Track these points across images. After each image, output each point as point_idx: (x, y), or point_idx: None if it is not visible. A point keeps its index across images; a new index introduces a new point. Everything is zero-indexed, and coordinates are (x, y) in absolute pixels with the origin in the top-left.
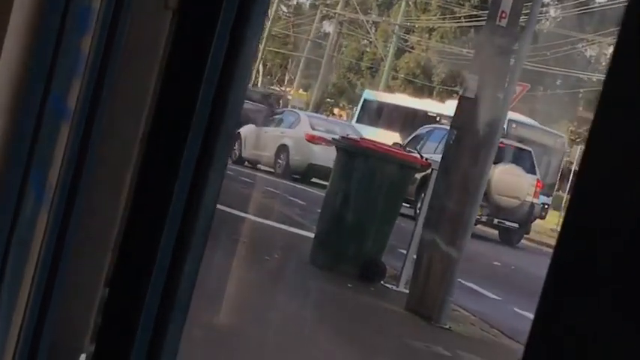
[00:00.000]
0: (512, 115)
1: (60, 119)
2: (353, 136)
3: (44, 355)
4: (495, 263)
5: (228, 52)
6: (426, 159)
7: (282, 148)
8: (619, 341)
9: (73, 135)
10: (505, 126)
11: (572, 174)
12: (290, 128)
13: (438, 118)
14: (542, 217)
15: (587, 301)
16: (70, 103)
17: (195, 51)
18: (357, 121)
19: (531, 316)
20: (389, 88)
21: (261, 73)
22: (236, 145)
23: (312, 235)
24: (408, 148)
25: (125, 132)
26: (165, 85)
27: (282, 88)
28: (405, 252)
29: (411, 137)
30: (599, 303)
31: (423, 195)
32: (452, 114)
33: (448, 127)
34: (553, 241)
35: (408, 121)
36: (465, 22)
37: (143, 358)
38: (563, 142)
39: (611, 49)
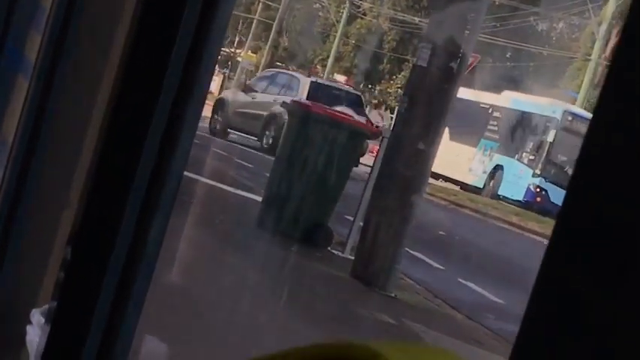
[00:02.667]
0: (569, 106)
1: (16, 71)
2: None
3: None
4: (441, 233)
5: (204, 7)
6: (377, 126)
7: None
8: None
9: (32, 89)
10: (559, 117)
11: None
12: None
13: (490, 111)
14: None
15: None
16: (28, 56)
17: (167, 5)
18: None
19: (474, 286)
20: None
21: None
22: None
23: (259, 199)
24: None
25: (90, 87)
26: (134, 42)
27: (232, 50)
28: (352, 218)
29: (255, 78)
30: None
31: (267, 132)
32: (506, 105)
33: (291, 73)
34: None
35: (459, 113)
36: None
37: (105, 316)
38: None
39: (561, 24)
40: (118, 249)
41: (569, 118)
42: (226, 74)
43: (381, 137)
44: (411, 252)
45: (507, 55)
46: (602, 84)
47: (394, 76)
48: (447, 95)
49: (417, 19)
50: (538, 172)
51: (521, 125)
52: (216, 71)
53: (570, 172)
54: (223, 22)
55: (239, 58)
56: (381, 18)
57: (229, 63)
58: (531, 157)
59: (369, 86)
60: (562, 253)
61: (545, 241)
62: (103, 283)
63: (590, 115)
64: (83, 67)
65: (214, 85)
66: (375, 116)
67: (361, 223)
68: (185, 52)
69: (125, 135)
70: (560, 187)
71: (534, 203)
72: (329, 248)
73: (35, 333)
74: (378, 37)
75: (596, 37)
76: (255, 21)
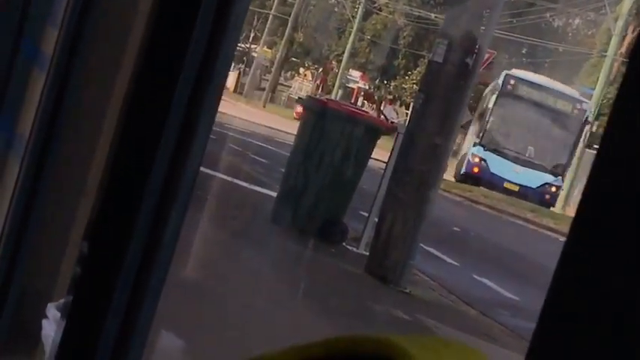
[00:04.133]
0: (514, 71)
1: (33, 64)
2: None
3: (13, 301)
4: (455, 229)
5: (221, 2)
6: (392, 122)
7: None
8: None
9: (49, 83)
10: (500, 82)
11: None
12: None
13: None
14: (552, 204)
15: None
16: (45, 50)
17: (184, 0)
18: None
19: (488, 282)
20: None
21: None
22: None
23: (274, 194)
24: None
25: (106, 82)
26: (151, 37)
27: (248, 45)
28: (366, 214)
29: None
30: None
31: None
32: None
33: None
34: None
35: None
36: None
37: (121, 311)
38: (585, 108)
39: (577, 20)
40: (134, 244)
41: (512, 82)
42: (242, 70)
43: (396, 133)
44: (426, 248)
45: (523, 51)
46: (619, 81)
47: (409, 72)
48: (462, 91)
49: (432, 15)
50: (477, 140)
51: (483, 99)
52: (232, 67)
53: (509, 139)
54: (240, 18)
55: (254, 54)
56: (397, 14)
57: (245, 59)
58: (478, 128)
59: (385, 82)
60: (581, 247)
61: (561, 238)
62: (119, 277)
63: (535, 79)
64: (100, 61)
65: (230, 80)
66: (390, 112)
67: (376, 219)
68: (202, 47)
69: (142, 130)
70: (500, 155)
71: (472, 175)
72: (344, 244)
73: (51, 327)
74: (393, 33)
75: (612, 34)
76: (270, 16)
